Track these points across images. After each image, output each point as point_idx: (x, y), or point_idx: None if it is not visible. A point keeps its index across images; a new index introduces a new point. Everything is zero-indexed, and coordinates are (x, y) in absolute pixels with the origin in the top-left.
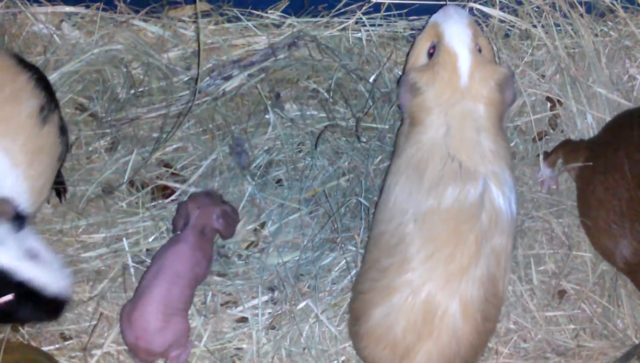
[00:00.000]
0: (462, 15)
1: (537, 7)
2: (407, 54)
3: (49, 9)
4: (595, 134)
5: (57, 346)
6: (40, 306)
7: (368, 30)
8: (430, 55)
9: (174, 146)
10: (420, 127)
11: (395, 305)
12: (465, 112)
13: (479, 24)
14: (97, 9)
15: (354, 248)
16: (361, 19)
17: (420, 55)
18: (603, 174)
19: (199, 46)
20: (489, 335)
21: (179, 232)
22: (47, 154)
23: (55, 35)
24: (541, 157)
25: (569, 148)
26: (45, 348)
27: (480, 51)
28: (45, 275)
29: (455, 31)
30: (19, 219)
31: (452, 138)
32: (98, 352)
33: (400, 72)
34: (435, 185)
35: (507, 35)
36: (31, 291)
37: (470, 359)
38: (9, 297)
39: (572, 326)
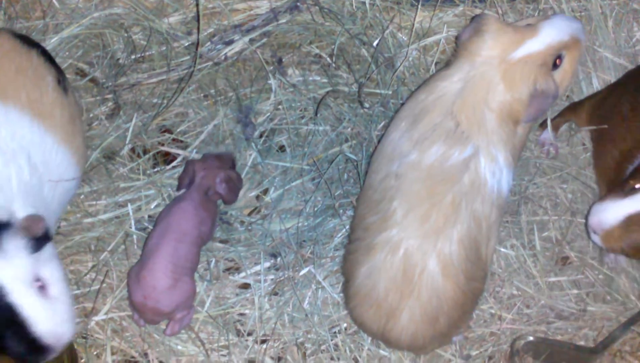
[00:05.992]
0: (572, 29)
1: None
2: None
3: None
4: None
5: None
6: (19, 341)
7: None
8: None
9: (175, 111)
10: (447, 71)
11: (377, 263)
12: (486, 78)
13: None
14: None
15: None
16: None
17: (522, 23)
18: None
19: (198, 10)
20: (476, 294)
21: (183, 190)
22: (79, 120)
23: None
24: (549, 121)
25: (571, 106)
26: None
27: (556, 63)
28: (40, 311)
29: (556, 26)
30: (41, 239)
31: (461, 97)
32: (100, 317)
33: (404, 38)
34: (423, 139)
35: None
36: (16, 321)
37: (457, 316)
38: None
39: (575, 291)
